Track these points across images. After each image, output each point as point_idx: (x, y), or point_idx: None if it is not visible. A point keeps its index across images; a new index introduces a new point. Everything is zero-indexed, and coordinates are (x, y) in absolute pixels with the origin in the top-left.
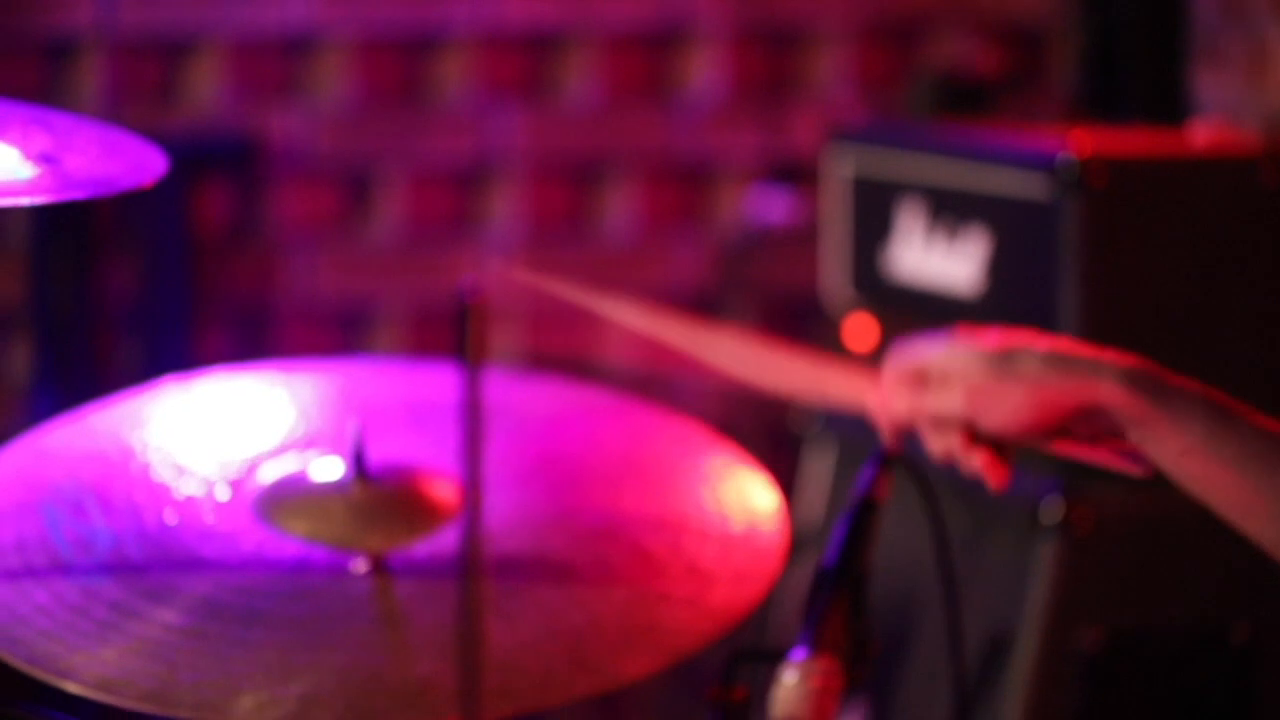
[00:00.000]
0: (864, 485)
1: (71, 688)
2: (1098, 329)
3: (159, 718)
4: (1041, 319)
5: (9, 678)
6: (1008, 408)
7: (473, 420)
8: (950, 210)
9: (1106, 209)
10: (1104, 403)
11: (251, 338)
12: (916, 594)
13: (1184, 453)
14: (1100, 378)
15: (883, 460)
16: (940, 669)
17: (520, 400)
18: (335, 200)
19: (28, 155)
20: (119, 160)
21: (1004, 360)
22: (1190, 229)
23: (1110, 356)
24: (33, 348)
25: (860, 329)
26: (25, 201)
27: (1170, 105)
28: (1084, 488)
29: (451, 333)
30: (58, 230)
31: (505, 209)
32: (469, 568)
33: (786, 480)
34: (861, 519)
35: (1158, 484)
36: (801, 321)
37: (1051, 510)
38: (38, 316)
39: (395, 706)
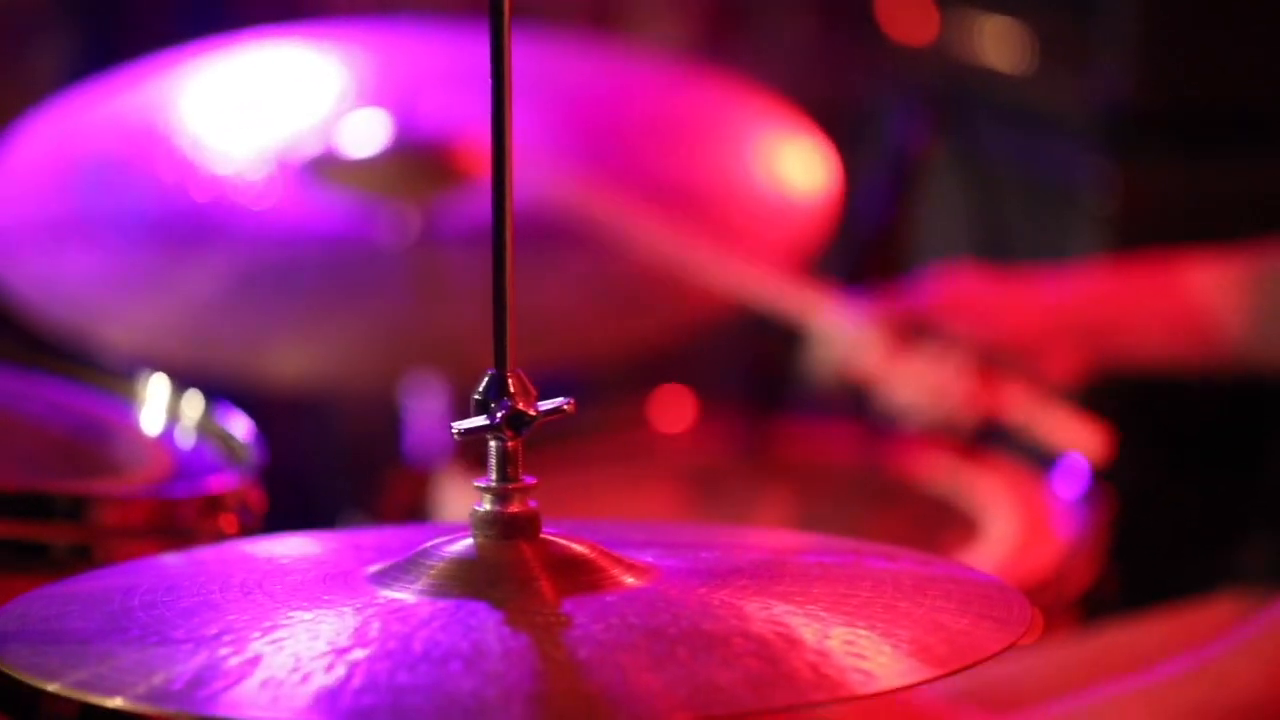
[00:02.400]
0: (899, 138)
1: (111, 347)
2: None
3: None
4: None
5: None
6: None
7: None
8: None
9: None
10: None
11: (290, 7)
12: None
13: None
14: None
15: (915, 109)
16: None
17: (566, 66)
18: None
19: None
20: None
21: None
22: None
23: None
24: (67, 38)
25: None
26: None
27: None
28: (1122, 164)
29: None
30: None
31: None
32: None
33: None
34: (897, 169)
35: (1197, 165)
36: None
37: (1091, 178)
38: (73, 5)
39: (432, 356)
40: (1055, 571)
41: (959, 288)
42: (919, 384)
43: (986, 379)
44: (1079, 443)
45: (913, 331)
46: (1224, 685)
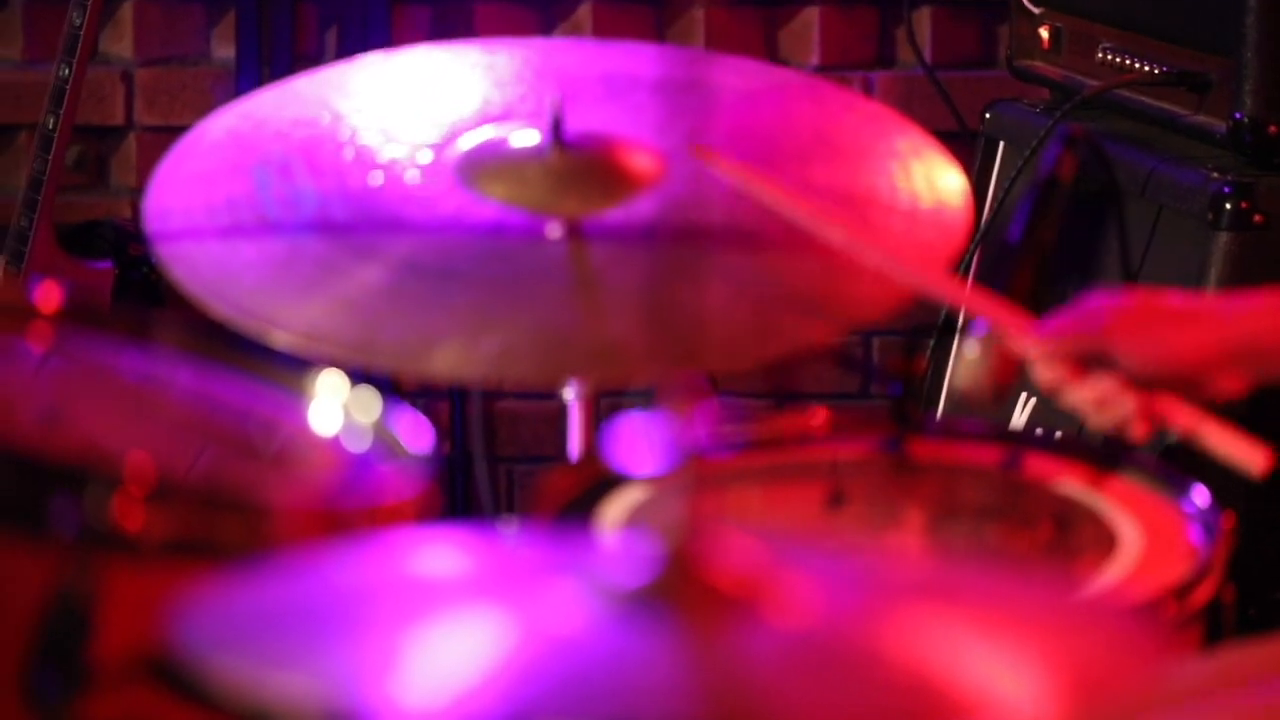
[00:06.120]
0: (1050, 164)
1: (278, 337)
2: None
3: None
4: (1226, 12)
5: (217, 332)
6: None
7: None
8: None
9: None
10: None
11: (448, 28)
12: (1093, 286)
13: None
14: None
15: (1069, 141)
16: None
17: (713, 77)
18: None
19: None
20: None
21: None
22: None
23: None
24: (238, 31)
25: (1045, 31)
26: None
27: None
28: (1257, 184)
29: (644, 20)
30: None
31: None
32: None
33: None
34: (1046, 196)
35: None
36: (986, 22)
37: (1226, 205)
38: (243, 1)
39: (585, 363)
40: (1182, 587)
41: (1128, 310)
42: (1087, 401)
43: (1154, 399)
44: (1243, 459)
45: (1083, 354)
46: None
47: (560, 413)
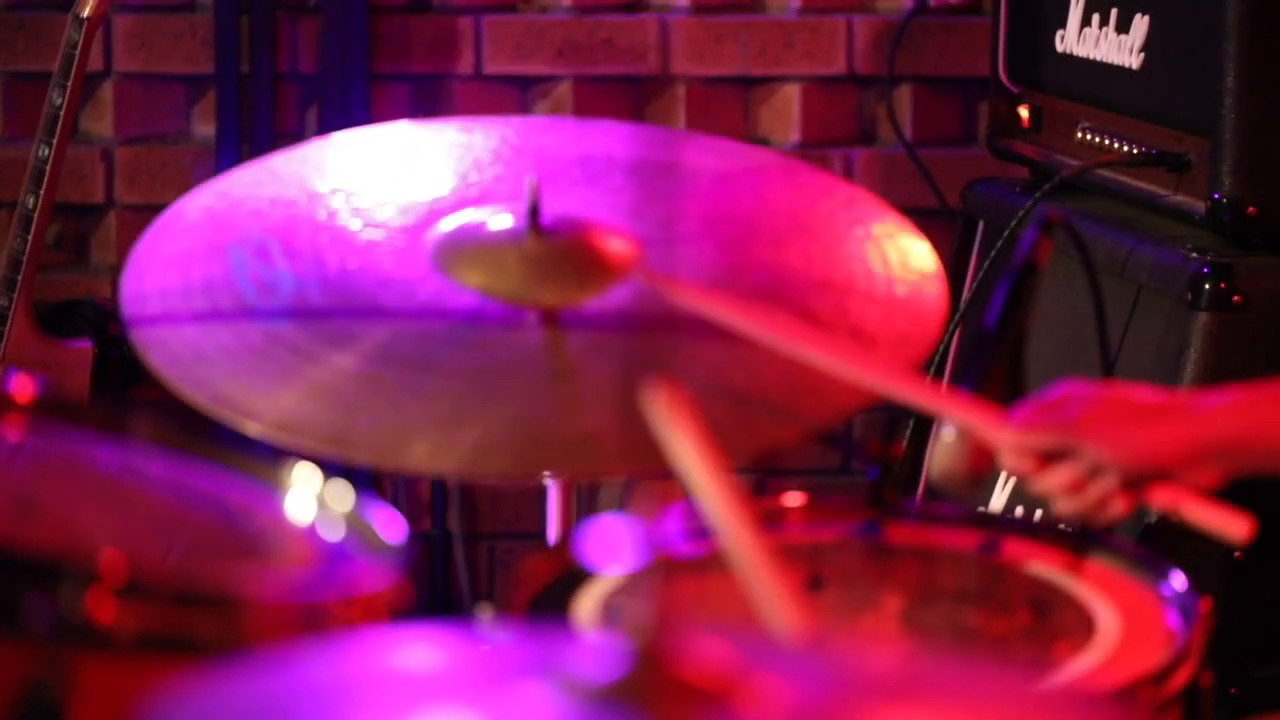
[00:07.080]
0: (1026, 248)
1: (252, 428)
2: (1260, 101)
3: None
4: (1205, 93)
5: (192, 418)
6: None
7: None
8: None
9: None
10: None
11: (428, 106)
12: (1071, 366)
13: None
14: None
15: (1045, 225)
16: None
17: (689, 160)
18: None
19: None
20: None
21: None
22: None
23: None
24: (219, 109)
25: (1024, 110)
26: None
27: None
28: (1235, 265)
29: (624, 98)
30: None
31: None
32: None
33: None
34: (1023, 281)
35: None
36: (966, 101)
37: (1205, 285)
38: (224, 80)
39: (562, 456)
40: (1159, 672)
41: (1098, 405)
42: (1055, 489)
43: (1127, 490)
44: (1224, 528)
45: (1053, 447)
46: None
47: (541, 490)
